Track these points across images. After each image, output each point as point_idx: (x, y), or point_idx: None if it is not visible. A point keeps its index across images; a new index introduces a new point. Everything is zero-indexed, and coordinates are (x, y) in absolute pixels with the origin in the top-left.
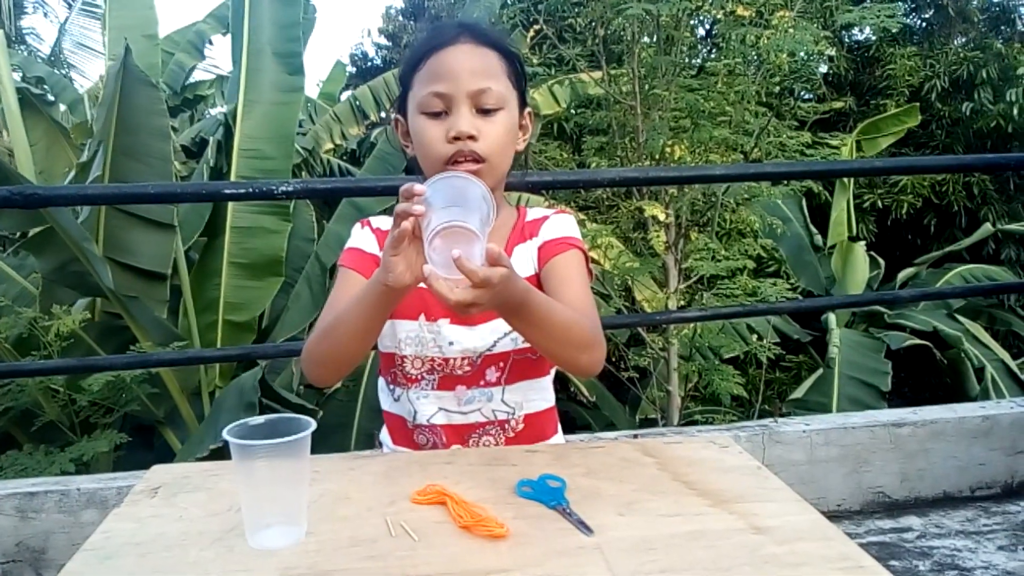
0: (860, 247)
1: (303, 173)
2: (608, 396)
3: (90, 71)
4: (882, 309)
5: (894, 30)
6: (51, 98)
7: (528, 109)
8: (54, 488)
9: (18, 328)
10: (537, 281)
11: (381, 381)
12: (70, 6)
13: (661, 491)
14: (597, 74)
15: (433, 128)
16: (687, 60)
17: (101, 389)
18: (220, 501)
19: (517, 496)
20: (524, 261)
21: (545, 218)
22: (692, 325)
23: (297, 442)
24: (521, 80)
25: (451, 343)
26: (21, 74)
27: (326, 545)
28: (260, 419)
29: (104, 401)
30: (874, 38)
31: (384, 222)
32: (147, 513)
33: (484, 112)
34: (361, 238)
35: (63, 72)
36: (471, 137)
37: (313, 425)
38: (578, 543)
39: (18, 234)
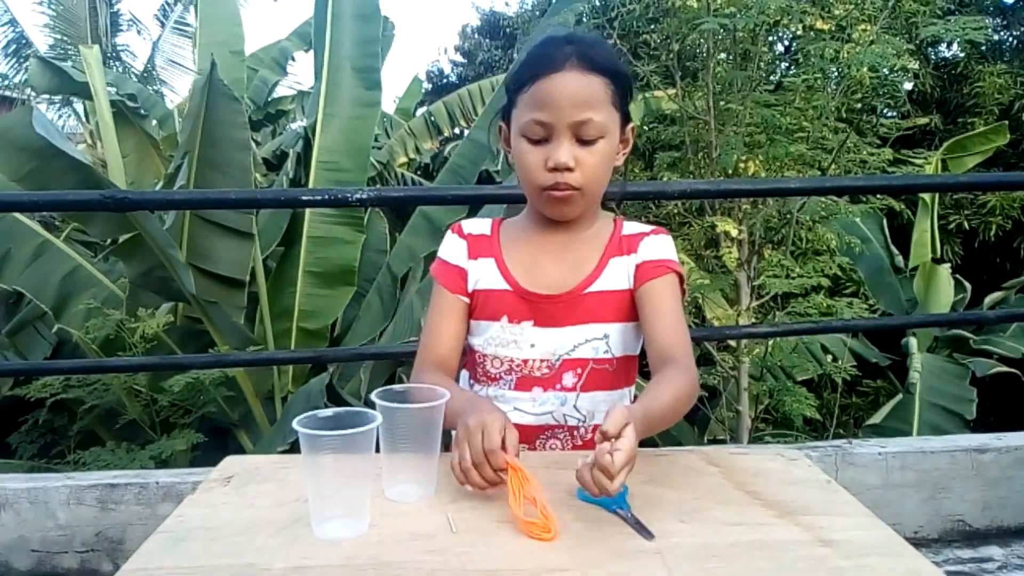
0: (944, 269)
1: (377, 186)
2: None
3: (180, 87)
4: (967, 334)
5: (981, 42)
6: (144, 112)
7: (631, 124)
8: (134, 481)
9: (106, 330)
10: (630, 297)
11: (464, 373)
12: (163, 24)
13: (724, 500)
14: (671, 91)
15: (533, 154)
16: (764, 75)
17: (181, 390)
18: (288, 492)
19: (578, 499)
20: (619, 275)
21: (644, 235)
22: (763, 344)
23: (363, 435)
24: (625, 99)
25: (532, 345)
26: (115, 90)
27: (388, 538)
28: (328, 412)
29: (183, 402)
30: (962, 55)
31: (476, 226)
32: (219, 500)
33: (586, 141)
34: (450, 246)
35: (155, 88)
36: (568, 169)
37: (379, 419)
38: (638, 547)
39: (108, 241)
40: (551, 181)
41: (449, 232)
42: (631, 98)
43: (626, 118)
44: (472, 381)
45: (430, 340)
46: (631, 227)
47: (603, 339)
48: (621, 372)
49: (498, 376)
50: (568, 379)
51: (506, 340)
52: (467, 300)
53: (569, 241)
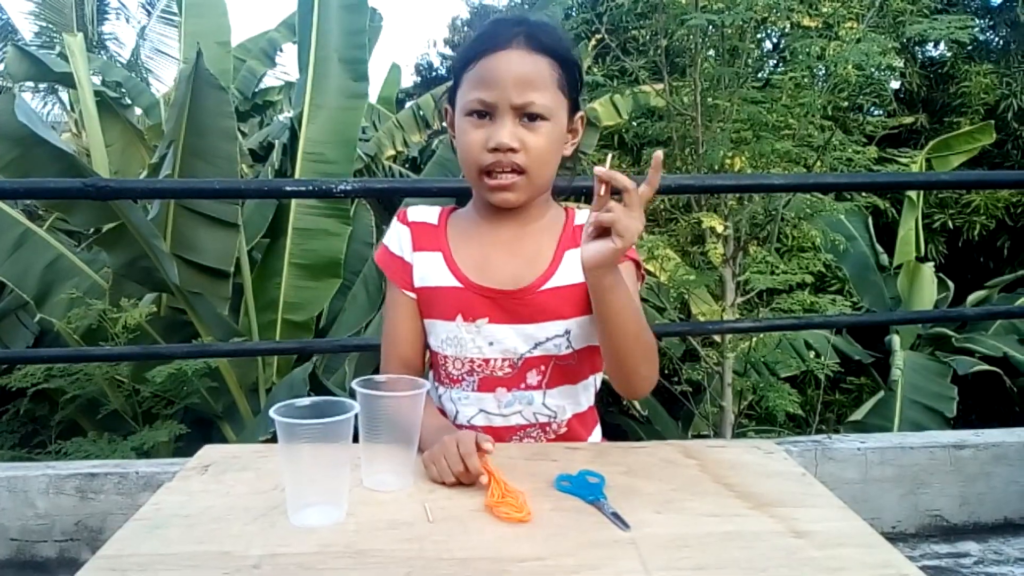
0: (928, 268)
1: (363, 177)
2: (661, 411)
3: (167, 76)
4: (950, 332)
5: (967, 42)
6: (127, 101)
7: (580, 113)
8: (114, 470)
9: (88, 320)
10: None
11: (431, 375)
12: (149, 13)
13: (700, 492)
14: (659, 86)
15: (475, 133)
16: (751, 72)
17: (164, 381)
18: (266, 480)
19: (556, 490)
20: (575, 267)
21: None
22: (748, 340)
23: (341, 424)
24: (574, 86)
25: (491, 343)
26: (101, 78)
27: (364, 526)
28: (306, 401)
29: (166, 393)
30: (949, 55)
31: (423, 214)
32: (196, 488)
33: (529, 119)
34: (394, 234)
35: (141, 77)
36: (511, 149)
37: (356, 408)
38: (613, 537)
39: (92, 230)
40: (491, 160)
41: (395, 219)
42: (581, 86)
43: (575, 106)
44: (436, 383)
45: (389, 341)
46: (583, 216)
47: (564, 335)
48: (585, 362)
49: (460, 378)
50: (532, 378)
51: (464, 339)
52: (415, 296)
53: (519, 233)
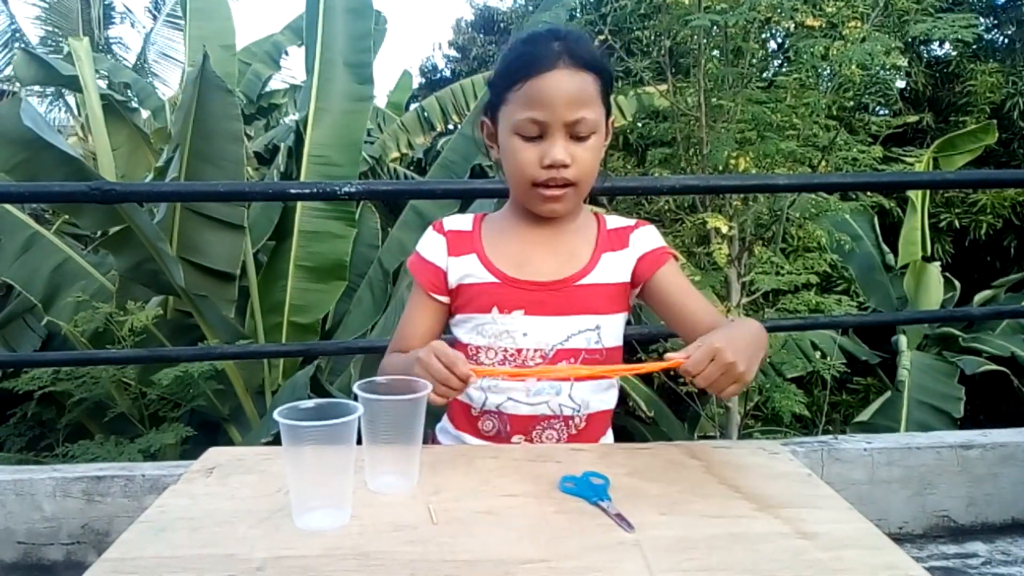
0: (934, 268)
1: (368, 179)
2: (666, 412)
3: (172, 80)
4: (957, 332)
5: (971, 41)
6: (134, 104)
7: (612, 117)
8: (120, 473)
9: (95, 323)
10: (623, 291)
11: None
12: (155, 17)
13: (706, 493)
14: (663, 87)
15: (528, 151)
16: (756, 72)
17: (170, 384)
18: (271, 483)
19: (560, 491)
20: (612, 269)
21: (630, 228)
22: None
23: (344, 426)
24: (610, 93)
25: (525, 334)
26: (108, 80)
27: (369, 529)
28: (310, 403)
29: (172, 396)
30: (954, 53)
31: (458, 223)
32: (201, 491)
33: (579, 135)
34: (429, 242)
35: (147, 80)
36: (564, 165)
37: (360, 410)
38: (618, 539)
39: (98, 233)
40: (545, 176)
41: (430, 228)
42: (612, 90)
43: (609, 110)
44: None
45: (405, 331)
46: (614, 221)
47: (595, 330)
48: (611, 362)
49: (491, 366)
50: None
51: (498, 331)
52: (444, 300)
53: (558, 234)
